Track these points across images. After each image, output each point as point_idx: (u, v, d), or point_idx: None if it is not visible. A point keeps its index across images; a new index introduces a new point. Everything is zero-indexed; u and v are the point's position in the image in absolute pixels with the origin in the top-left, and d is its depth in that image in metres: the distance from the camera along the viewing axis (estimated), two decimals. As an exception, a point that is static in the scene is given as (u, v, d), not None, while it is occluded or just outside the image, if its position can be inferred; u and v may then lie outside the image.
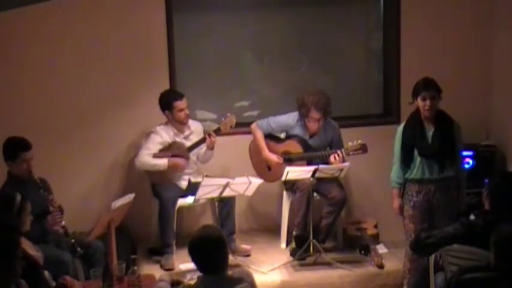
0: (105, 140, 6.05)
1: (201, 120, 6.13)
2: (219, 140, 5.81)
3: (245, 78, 6.57)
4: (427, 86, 4.95)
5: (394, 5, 6.27)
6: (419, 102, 4.98)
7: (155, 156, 5.71)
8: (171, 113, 5.73)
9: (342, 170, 5.48)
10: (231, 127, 5.78)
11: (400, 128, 5.16)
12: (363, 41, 6.67)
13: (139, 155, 5.73)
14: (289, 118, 5.85)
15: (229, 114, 5.79)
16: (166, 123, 5.81)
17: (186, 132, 5.84)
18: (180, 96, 5.71)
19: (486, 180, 4.49)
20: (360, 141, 5.56)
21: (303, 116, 5.74)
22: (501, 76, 6.26)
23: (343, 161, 5.58)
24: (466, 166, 6.08)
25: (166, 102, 5.72)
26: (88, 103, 6.02)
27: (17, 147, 4.98)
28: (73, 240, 4.88)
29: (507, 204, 4.08)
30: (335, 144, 5.76)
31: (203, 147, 5.85)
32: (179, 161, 5.73)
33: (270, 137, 5.93)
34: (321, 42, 6.50)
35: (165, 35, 6.02)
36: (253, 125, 5.90)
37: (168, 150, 5.75)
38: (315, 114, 5.65)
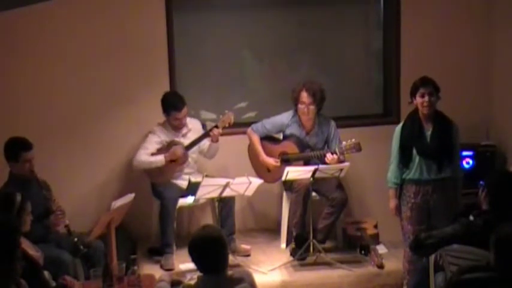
0: (105, 140, 6.05)
1: (201, 121, 6.13)
2: (219, 140, 5.80)
3: (245, 78, 6.57)
4: (425, 83, 4.98)
5: (394, 5, 6.27)
6: (417, 99, 4.99)
7: (153, 155, 5.71)
8: (168, 118, 5.74)
9: (341, 169, 5.48)
10: (229, 124, 5.77)
11: (398, 128, 5.16)
12: (362, 41, 6.67)
13: (137, 154, 5.73)
14: (283, 117, 5.85)
15: (227, 111, 5.81)
16: (163, 123, 5.81)
17: (184, 131, 5.83)
18: (179, 107, 5.65)
19: (481, 182, 4.50)
20: (353, 140, 5.54)
21: (295, 105, 5.72)
22: (501, 76, 6.26)
23: (339, 161, 5.57)
24: (466, 166, 6.09)
25: (166, 107, 5.71)
26: (88, 103, 6.02)
27: (18, 147, 4.99)
28: (76, 239, 4.88)
29: (506, 203, 4.09)
30: (331, 140, 5.77)
31: (206, 143, 5.84)
32: (176, 149, 5.69)
33: (266, 138, 5.93)
34: (321, 43, 6.50)
35: (165, 35, 6.02)
36: (249, 130, 5.89)
37: (166, 149, 5.75)
38: (305, 97, 5.64)
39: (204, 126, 6.02)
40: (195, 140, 5.79)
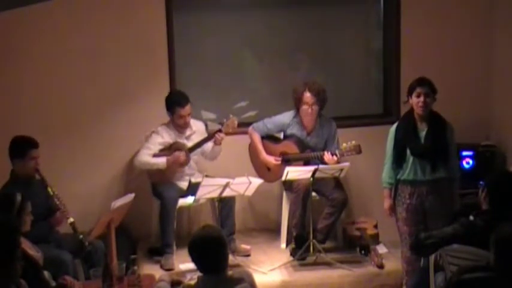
0: (105, 140, 6.05)
1: (202, 121, 6.13)
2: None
3: (245, 78, 6.57)
4: (421, 83, 4.99)
5: (394, 5, 6.27)
6: (413, 99, 5.00)
7: (155, 156, 5.71)
8: (172, 116, 5.73)
9: (341, 170, 5.48)
10: (233, 129, 5.77)
11: (393, 128, 5.17)
12: (362, 40, 6.67)
13: (139, 154, 5.73)
14: (285, 117, 5.85)
15: (231, 116, 5.78)
16: (168, 123, 5.81)
17: (188, 133, 5.83)
18: (183, 103, 5.65)
19: (481, 182, 4.49)
20: (354, 142, 5.54)
21: (297, 106, 5.72)
22: (501, 76, 6.26)
23: (338, 162, 5.57)
24: (466, 166, 6.09)
25: (170, 104, 5.71)
26: (88, 103, 6.02)
27: (25, 144, 5.00)
28: (81, 236, 4.89)
29: (506, 203, 4.09)
30: (328, 141, 5.76)
31: (208, 146, 5.84)
32: (179, 155, 5.70)
33: (267, 137, 5.93)
34: (320, 42, 6.50)
35: (165, 35, 6.02)
36: (250, 129, 5.90)
37: (169, 150, 5.75)
38: (308, 97, 5.63)
39: (206, 126, 6.02)
40: (199, 142, 5.78)
